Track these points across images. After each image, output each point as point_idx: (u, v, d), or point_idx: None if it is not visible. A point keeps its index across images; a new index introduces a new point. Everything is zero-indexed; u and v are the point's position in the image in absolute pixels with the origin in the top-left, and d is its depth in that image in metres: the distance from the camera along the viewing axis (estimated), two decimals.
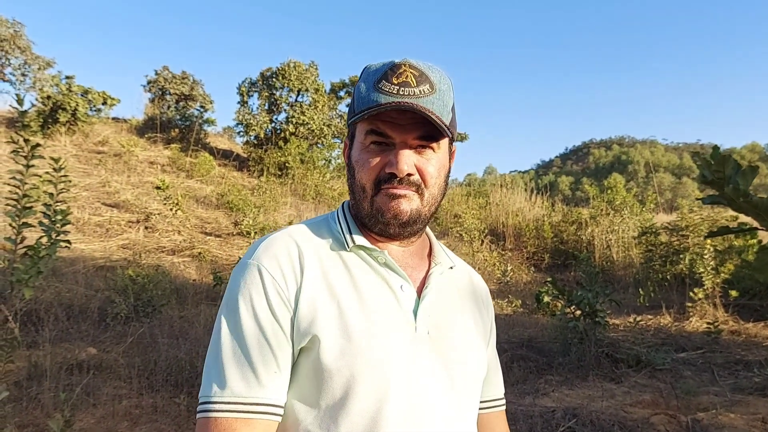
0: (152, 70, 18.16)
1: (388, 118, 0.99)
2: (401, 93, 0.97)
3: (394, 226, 1.04)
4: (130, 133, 16.89)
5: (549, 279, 6.48)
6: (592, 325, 5.88)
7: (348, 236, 1.07)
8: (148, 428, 3.85)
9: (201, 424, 0.92)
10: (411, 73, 0.99)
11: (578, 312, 5.95)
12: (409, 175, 1.01)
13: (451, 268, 1.17)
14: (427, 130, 1.00)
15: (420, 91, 0.98)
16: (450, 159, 1.11)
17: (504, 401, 1.27)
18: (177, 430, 3.87)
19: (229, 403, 0.91)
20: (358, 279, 1.02)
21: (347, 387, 0.94)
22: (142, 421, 3.96)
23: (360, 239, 1.06)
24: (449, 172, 1.11)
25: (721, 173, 2.58)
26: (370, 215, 1.05)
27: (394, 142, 1.01)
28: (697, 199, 2.72)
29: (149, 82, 17.78)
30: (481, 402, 1.18)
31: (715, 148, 2.61)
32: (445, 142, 1.06)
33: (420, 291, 1.08)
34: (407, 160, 1.00)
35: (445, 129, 0.99)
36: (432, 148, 1.03)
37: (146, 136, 16.99)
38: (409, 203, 1.03)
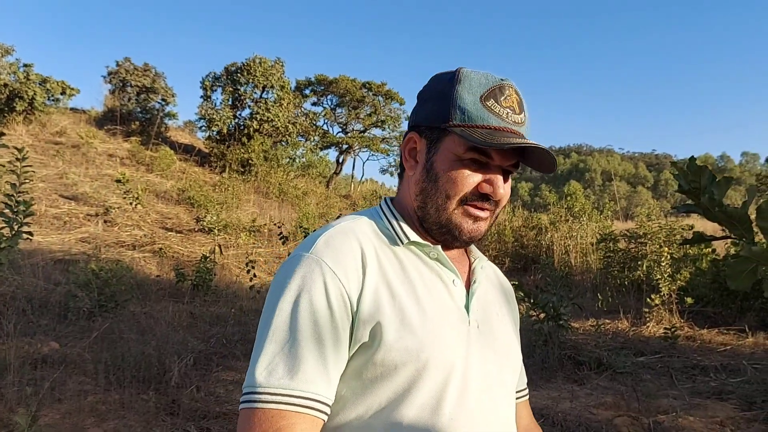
0: (113, 61, 17.78)
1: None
2: (508, 119, 1.00)
3: (462, 242, 1.07)
4: (89, 125, 16.52)
5: (515, 282, 6.59)
6: (556, 328, 6.00)
7: (400, 232, 1.07)
8: (115, 424, 3.78)
9: (245, 415, 0.90)
10: (515, 98, 1.02)
11: (542, 315, 6.07)
12: (499, 199, 1.04)
13: (485, 263, 1.19)
14: (518, 158, 1.05)
15: (520, 119, 1.02)
16: None
17: (528, 390, 1.32)
18: (146, 426, 3.81)
19: (276, 394, 0.89)
20: (413, 274, 1.03)
21: (410, 381, 0.95)
22: (110, 417, 3.88)
23: (413, 235, 1.06)
24: None
25: (697, 183, 2.67)
26: (443, 226, 1.05)
27: (491, 163, 1.02)
28: (674, 207, 2.81)
29: (110, 74, 17.42)
30: (517, 391, 1.22)
31: (692, 159, 2.70)
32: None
33: (467, 286, 1.10)
34: (504, 185, 1.03)
35: (553, 163, 1.04)
36: (512, 174, 1.07)
37: (105, 128, 16.66)
38: (485, 225, 1.06)
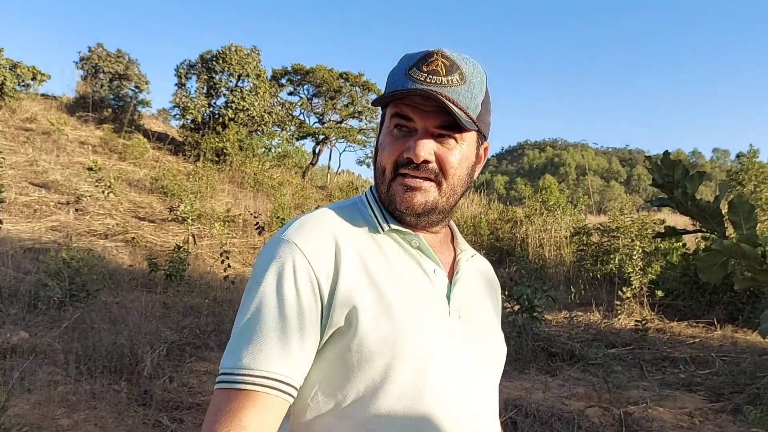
0: (85, 47, 17.48)
1: (412, 103, 0.99)
2: (428, 81, 0.97)
3: (407, 215, 1.05)
4: (60, 111, 16.22)
5: None
6: (530, 319, 6.06)
7: (381, 219, 1.06)
8: (86, 415, 3.74)
9: (218, 394, 0.90)
10: (442, 62, 0.99)
11: (517, 307, 6.12)
12: (426, 162, 1.00)
13: (473, 256, 1.19)
14: (450, 119, 0.99)
15: (448, 80, 0.98)
16: (478, 155, 1.10)
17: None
18: (117, 417, 3.77)
19: (239, 374, 0.89)
20: (394, 261, 1.03)
21: (387, 369, 0.94)
22: (80, 407, 3.83)
23: (394, 223, 1.06)
24: (474, 167, 1.10)
25: (670, 177, 2.70)
26: (386, 200, 1.06)
27: (416, 127, 1.01)
28: (647, 201, 2.84)
29: (82, 59, 17.11)
30: None
31: (666, 153, 2.73)
32: (471, 135, 1.05)
33: (450, 276, 1.10)
34: (425, 146, 0.99)
35: (465, 119, 0.99)
36: (455, 138, 1.02)
37: (77, 114, 16.37)
38: (424, 195, 1.03)
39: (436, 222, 1.10)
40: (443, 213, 1.08)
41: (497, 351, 1.14)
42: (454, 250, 1.17)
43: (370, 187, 1.15)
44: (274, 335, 0.91)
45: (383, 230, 1.05)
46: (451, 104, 0.97)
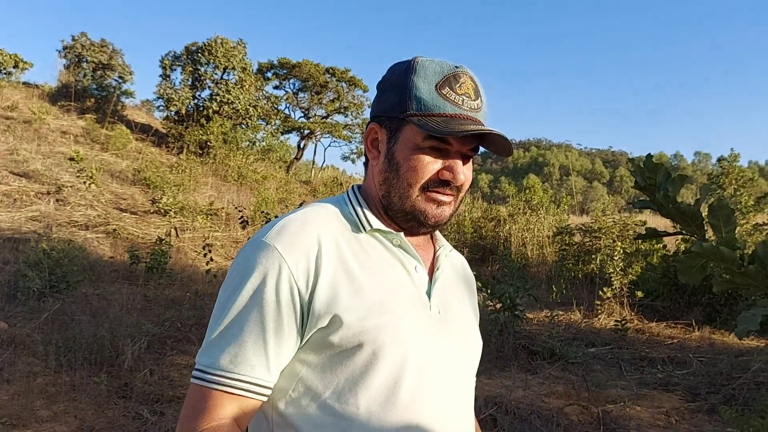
0: (69, 36, 17.27)
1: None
2: (464, 105, 1.03)
3: (428, 227, 1.09)
4: (41, 100, 16.01)
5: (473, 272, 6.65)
6: (512, 318, 6.10)
7: (364, 219, 1.09)
8: (66, 406, 3.71)
9: (193, 390, 0.97)
10: (470, 84, 1.04)
11: (499, 305, 6.16)
12: (460, 184, 1.07)
13: (450, 251, 1.22)
14: (478, 143, 1.07)
15: (477, 105, 1.04)
16: None
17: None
18: (97, 409, 3.75)
19: (217, 375, 0.95)
20: (376, 259, 1.05)
21: (368, 363, 0.97)
22: (60, 399, 3.81)
23: (376, 223, 1.08)
24: None
25: (652, 180, 2.73)
26: (407, 213, 1.07)
27: (450, 149, 1.04)
28: (629, 202, 2.88)
29: (65, 48, 16.91)
30: None
31: (648, 156, 2.76)
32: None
33: (430, 273, 1.13)
34: (464, 170, 1.06)
35: (509, 147, 1.06)
36: (471, 158, 1.09)
37: (59, 104, 16.17)
38: (450, 209, 1.09)
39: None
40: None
41: (474, 346, 1.18)
42: (434, 246, 1.20)
43: (353, 186, 1.17)
44: (252, 341, 0.96)
45: (365, 230, 1.08)
46: (503, 138, 1.04)
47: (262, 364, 0.95)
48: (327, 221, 1.06)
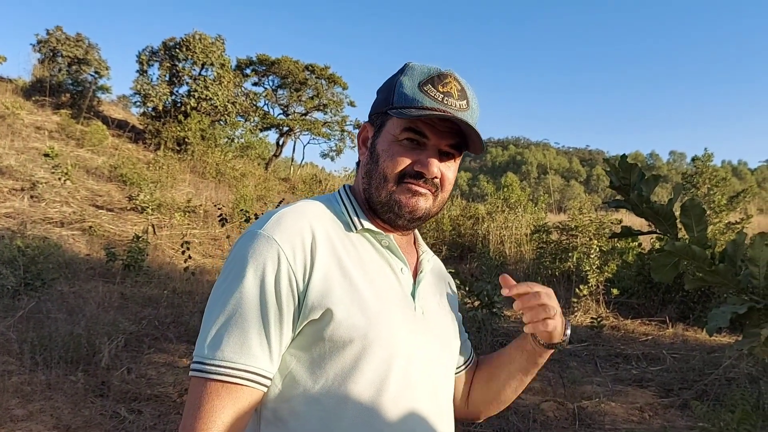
0: (43, 29, 17.01)
1: (429, 121, 1.06)
2: (445, 102, 1.06)
3: (405, 219, 1.11)
4: (15, 95, 15.77)
5: (451, 270, 6.70)
6: (490, 315, 6.15)
7: (355, 219, 1.12)
8: (42, 405, 3.67)
9: (194, 383, 0.95)
10: (455, 85, 1.08)
11: (477, 302, 6.21)
12: (434, 177, 1.08)
13: (432, 256, 1.26)
14: (457, 141, 1.09)
15: (460, 105, 1.07)
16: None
17: (475, 357, 1.40)
18: (74, 408, 3.71)
19: (222, 366, 0.94)
20: (366, 258, 1.08)
21: (357, 358, 0.99)
22: (36, 398, 3.77)
23: (367, 223, 1.12)
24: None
25: (627, 180, 2.77)
26: (385, 204, 1.10)
27: (427, 143, 1.08)
28: (604, 202, 2.92)
29: (39, 42, 16.66)
30: (463, 364, 1.32)
31: (623, 156, 2.80)
32: (460, 155, 1.14)
33: (414, 275, 1.17)
34: (441, 166, 1.09)
35: (482, 146, 1.09)
36: (454, 158, 1.12)
37: (33, 98, 15.93)
38: (425, 202, 1.11)
39: (418, 226, 1.19)
40: (428, 220, 1.18)
41: (453, 346, 1.23)
42: (417, 251, 1.24)
43: (344, 186, 1.20)
44: (255, 331, 0.96)
45: (356, 229, 1.11)
46: (474, 133, 1.06)
47: (265, 354, 0.96)
48: (320, 216, 1.09)
